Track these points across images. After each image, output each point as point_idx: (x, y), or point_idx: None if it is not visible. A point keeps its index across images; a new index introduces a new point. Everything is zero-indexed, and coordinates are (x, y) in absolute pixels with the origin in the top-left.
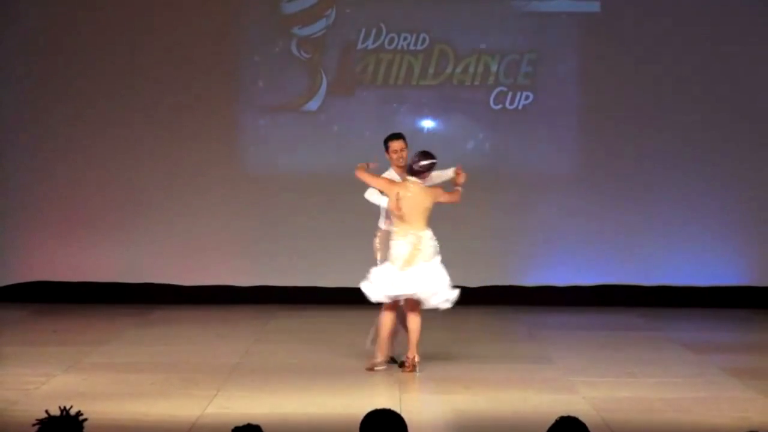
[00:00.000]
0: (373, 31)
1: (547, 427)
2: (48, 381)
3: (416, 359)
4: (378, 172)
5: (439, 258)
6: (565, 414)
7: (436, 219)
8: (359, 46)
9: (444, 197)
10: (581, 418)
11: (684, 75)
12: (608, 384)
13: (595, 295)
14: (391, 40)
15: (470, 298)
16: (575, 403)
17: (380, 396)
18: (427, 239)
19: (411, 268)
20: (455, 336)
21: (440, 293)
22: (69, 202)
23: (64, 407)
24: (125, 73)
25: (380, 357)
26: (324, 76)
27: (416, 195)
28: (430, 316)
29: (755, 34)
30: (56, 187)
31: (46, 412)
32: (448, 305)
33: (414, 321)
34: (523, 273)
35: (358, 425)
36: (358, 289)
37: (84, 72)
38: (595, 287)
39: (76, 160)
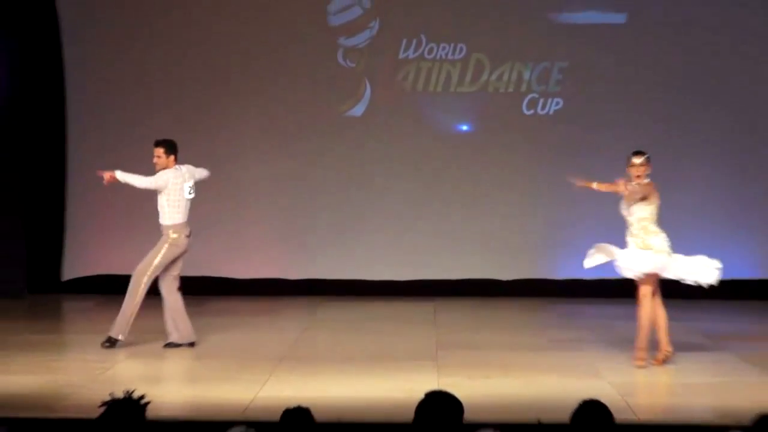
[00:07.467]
0: (414, 42)
1: (573, 410)
2: (112, 366)
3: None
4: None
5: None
6: (590, 398)
7: (473, 218)
8: (401, 55)
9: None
10: (606, 401)
11: (707, 80)
12: (632, 370)
13: (619, 287)
14: (431, 50)
15: (505, 290)
16: (601, 387)
17: (419, 381)
18: None
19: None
20: (492, 325)
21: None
22: (132, 202)
23: (128, 391)
24: (185, 81)
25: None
26: (368, 83)
27: None
28: (472, 307)
29: None
30: (120, 187)
31: (111, 395)
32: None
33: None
34: (554, 267)
35: (401, 407)
36: (399, 282)
37: (145, 81)
38: (620, 280)
39: (139, 162)
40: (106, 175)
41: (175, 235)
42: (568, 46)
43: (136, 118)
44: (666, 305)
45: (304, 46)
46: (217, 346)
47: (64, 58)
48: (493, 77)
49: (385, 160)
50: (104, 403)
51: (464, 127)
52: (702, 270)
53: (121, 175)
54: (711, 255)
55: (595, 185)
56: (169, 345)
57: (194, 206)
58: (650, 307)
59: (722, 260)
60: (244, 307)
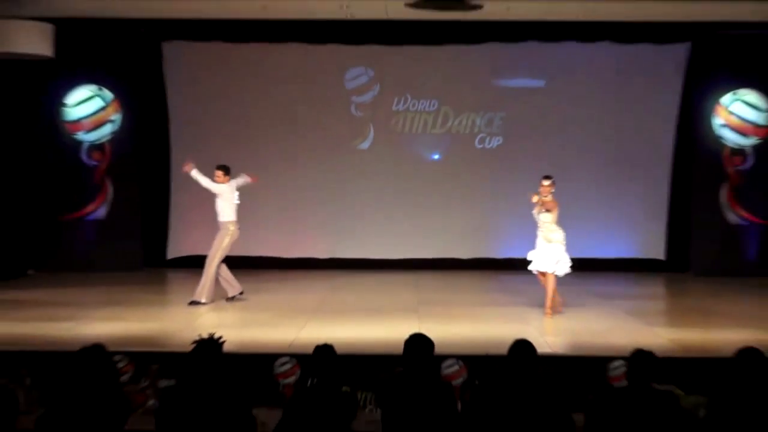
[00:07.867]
0: (403, 99)
1: (509, 345)
2: (200, 317)
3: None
4: None
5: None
6: (521, 337)
7: (442, 216)
8: (394, 107)
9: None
10: (531, 339)
11: (597, 125)
12: (548, 319)
13: None
14: (414, 104)
15: (464, 265)
16: (529, 331)
17: (405, 326)
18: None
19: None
20: (456, 289)
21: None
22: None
23: (211, 333)
24: (251, 121)
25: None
26: (372, 127)
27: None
28: (442, 277)
29: (644, 102)
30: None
31: (199, 336)
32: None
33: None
34: (497, 249)
35: (394, 344)
36: (391, 260)
37: (223, 118)
38: None
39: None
40: (188, 165)
41: (232, 228)
42: (506, 102)
43: (218, 141)
44: (570, 275)
45: (329, 102)
46: (269, 302)
47: (167, 100)
48: (455, 123)
49: (383, 177)
50: (195, 342)
51: (436, 156)
52: (559, 261)
53: (195, 173)
54: (603, 242)
55: (534, 199)
56: (231, 299)
57: (255, 209)
58: (552, 279)
59: (610, 244)
60: (287, 276)
